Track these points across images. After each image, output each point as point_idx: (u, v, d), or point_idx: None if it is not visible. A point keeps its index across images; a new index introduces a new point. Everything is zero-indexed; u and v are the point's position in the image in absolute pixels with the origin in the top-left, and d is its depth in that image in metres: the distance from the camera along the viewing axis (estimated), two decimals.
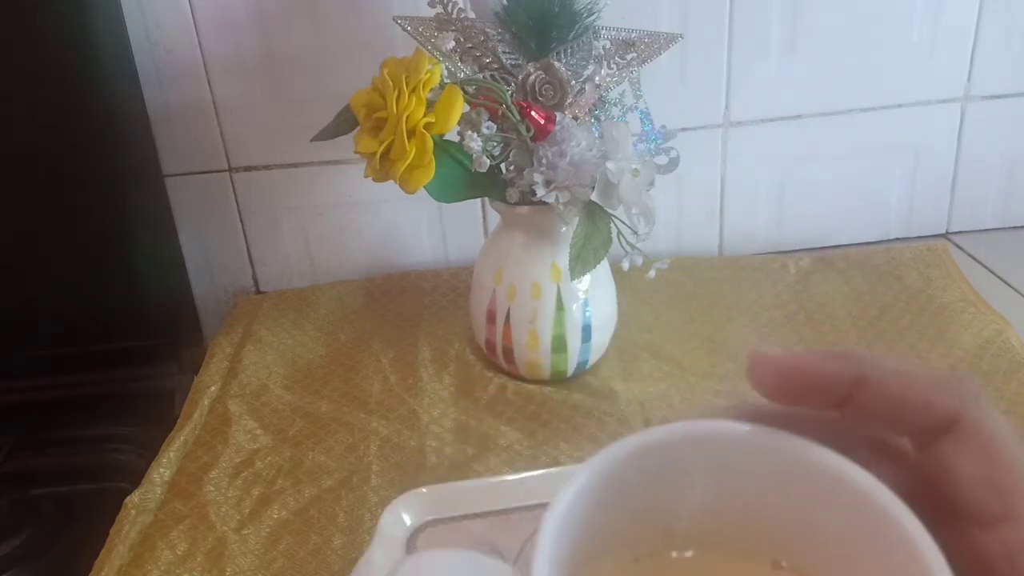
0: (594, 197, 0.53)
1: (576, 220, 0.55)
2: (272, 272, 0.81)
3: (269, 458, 0.58)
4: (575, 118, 0.56)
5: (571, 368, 0.62)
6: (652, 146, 0.57)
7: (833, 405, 0.21)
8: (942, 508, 0.21)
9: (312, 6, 0.71)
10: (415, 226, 0.80)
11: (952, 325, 0.67)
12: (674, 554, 0.24)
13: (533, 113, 0.54)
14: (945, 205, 0.83)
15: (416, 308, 0.75)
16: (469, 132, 0.53)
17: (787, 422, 0.22)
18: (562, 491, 0.21)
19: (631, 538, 0.24)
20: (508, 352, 0.62)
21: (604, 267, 0.61)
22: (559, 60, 0.56)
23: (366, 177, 0.55)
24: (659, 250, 0.59)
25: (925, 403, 0.21)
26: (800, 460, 0.22)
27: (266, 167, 0.76)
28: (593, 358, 0.63)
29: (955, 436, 0.20)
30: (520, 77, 0.55)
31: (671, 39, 0.59)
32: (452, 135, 0.54)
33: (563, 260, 0.56)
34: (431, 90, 0.52)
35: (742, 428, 0.22)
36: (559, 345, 0.61)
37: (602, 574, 0.23)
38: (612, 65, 0.58)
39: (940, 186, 0.82)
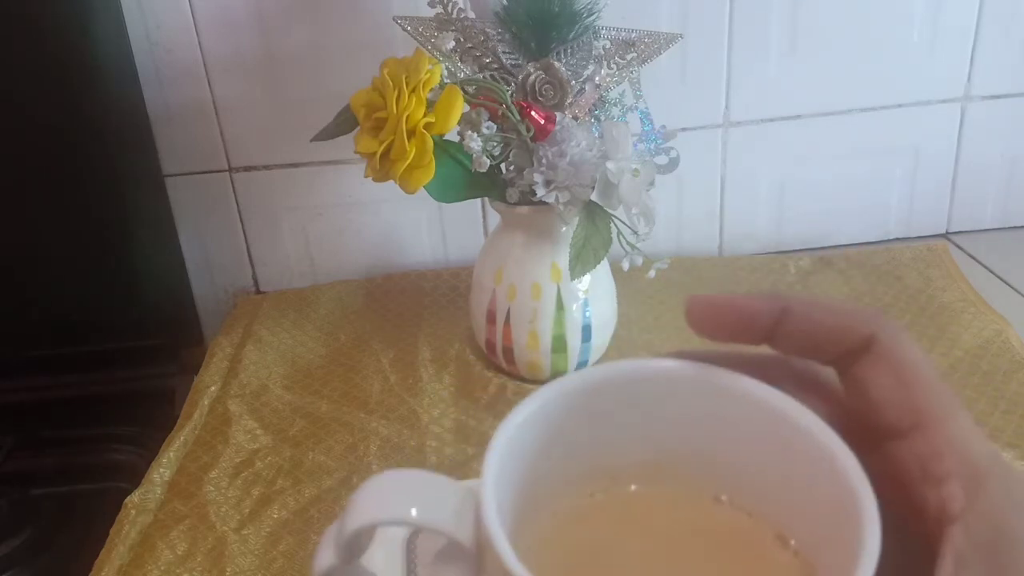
0: (594, 197, 0.53)
1: (576, 220, 0.54)
2: (272, 272, 0.81)
3: (269, 458, 0.58)
4: (575, 118, 0.56)
5: (571, 368, 0.62)
6: (652, 146, 0.57)
7: (762, 338, 0.23)
8: (866, 435, 0.22)
9: (312, 6, 0.71)
10: (415, 226, 0.80)
11: (952, 325, 0.67)
12: (625, 490, 0.25)
13: (533, 113, 0.54)
14: (945, 205, 0.83)
15: (416, 308, 0.75)
16: (469, 132, 0.53)
17: (723, 363, 0.24)
18: (507, 421, 0.23)
19: (583, 477, 0.25)
20: (508, 352, 0.62)
21: (604, 267, 0.61)
22: (559, 60, 0.56)
23: (366, 177, 0.55)
24: (659, 250, 0.59)
25: (843, 327, 0.22)
26: (732, 393, 0.23)
27: (266, 167, 0.76)
28: (593, 358, 0.63)
29: (871, 356, 0.22)
30: (520, 77, 0.55)
31: (671, 39, 0.59)
32: (452, 135, 0.54)
33: (563, 260, 0.56)
34: (431, 90, 0.52)
35: (678, 364, 0.24)
36: (559, 345, 0.61)
37: (559, 509, 0.25)
38: (612, 65, 0.58)
39: (940, 186, 0.82)
